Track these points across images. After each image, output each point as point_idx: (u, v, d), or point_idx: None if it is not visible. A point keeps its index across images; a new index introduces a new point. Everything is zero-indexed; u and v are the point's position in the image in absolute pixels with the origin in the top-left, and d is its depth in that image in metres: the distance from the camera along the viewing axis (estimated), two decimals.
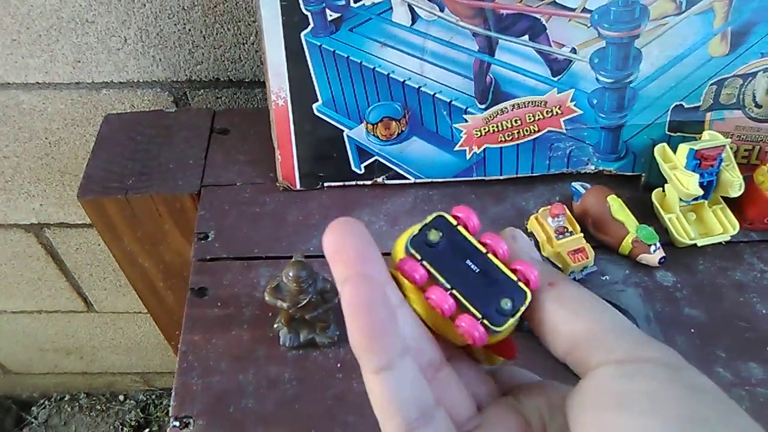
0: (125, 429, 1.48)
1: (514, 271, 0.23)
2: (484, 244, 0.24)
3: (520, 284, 0.23)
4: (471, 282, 0.23)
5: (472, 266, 0.23)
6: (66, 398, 1.53)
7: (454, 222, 0.24)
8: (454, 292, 0.23)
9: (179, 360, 0.54)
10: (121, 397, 1.52)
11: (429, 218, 0.24)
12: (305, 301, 0.49)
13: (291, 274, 0.48)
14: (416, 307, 0.24)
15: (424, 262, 0.23)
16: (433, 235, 0.23)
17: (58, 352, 1.36)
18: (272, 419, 0.51)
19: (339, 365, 0.54)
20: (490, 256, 0.24)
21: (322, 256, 0.63)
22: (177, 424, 0.51)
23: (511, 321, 0.23)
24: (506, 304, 0.23)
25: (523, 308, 0.23)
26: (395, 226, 0.63)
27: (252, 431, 0.51)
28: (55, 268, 1.10)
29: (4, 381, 1.47)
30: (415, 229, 0.23)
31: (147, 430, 1.49)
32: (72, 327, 1.27)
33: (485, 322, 0.23)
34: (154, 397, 1.52)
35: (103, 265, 1.09)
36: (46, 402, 1.53)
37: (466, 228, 0.24)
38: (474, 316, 0.23)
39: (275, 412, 0.52)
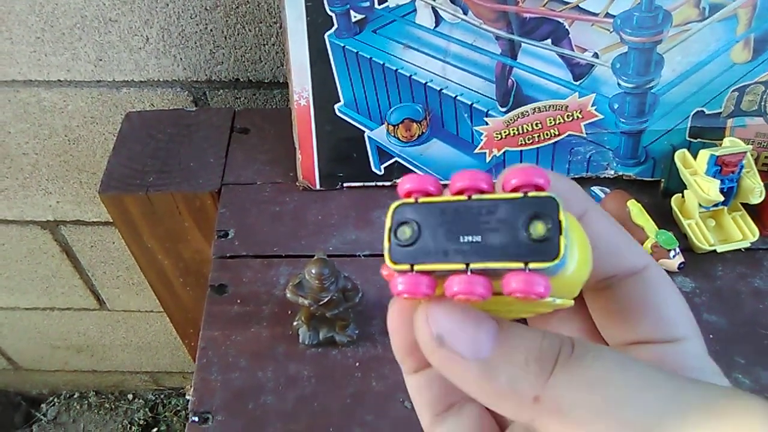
0: (133, 428, 1.48)
1: (515, 189, 0.17)
2: (461, 192, 0.18)
3: (532, 195, 0.17)
4: (482, 240, 0.17)
5: (468, 224, 0.17)
6: (75, 396, 1.53)
7: (412, 200, 0.18)
8: (473, 265, 0.17)
9: (198, 356, 0.55)
10: (130, 396, 1.53)
11: (389, 219, 0.18)
12: (327, 299, 0.50)
13: (314, 271, 0.48)
14: (482, 308, 0.18)
15: (416, 266, 0.18)
16: (406, 232, 0.18)
17: (69, 350, 1.36)
18: (291, 416, 0.51)
19: (358, 364, 0.54)
20: (474, 198, 0.18)
21: (341, 256, 0.64)
22: (196, 419, 0.51)
23: (563, 241, 0.16)
24: (537, 227, 0.17)
25: (563, 217, 0.16)
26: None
27: (270, 428, 0.51)
28: (70, 265, 1.10)
29: (14, 377, 1.48)
30: (386, 242, 0.18)
31: (155, 429, 1.49)
32: (84, 325, 1.27)
33: (533, 265, 0.16)
34: (162, 396, 1.52)
35: (117, 263, 1.09)
36: (56, 399, 1.53)
37: (429, 195, 0.18)
38: (514, 269, 0.17)
39: (294, 409, 0.52)
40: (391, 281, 0.18)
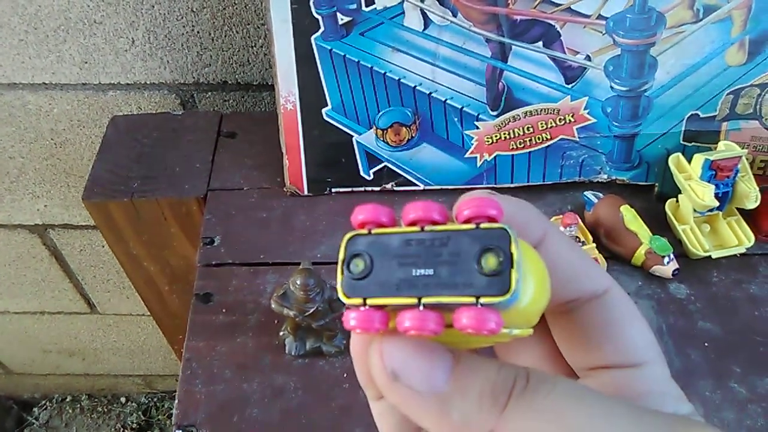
0: (126, 431, 1.47)
1: (467, 220, 0.17)
2: (414, 223, 0.18)
3: (484, 227, 0.17)
4: (434, 274, 0.17)
5: (421, 257, 0.17)
6: (68, 399, 1.52)
7: (365, 231, 0.18)
8: (423, 300, 0.17)
9: (183, 367, 0.54)
10: (123, 400, 1.52)
11: (341, 251, 0.18)
12: (312, 310, 0.49)
13: (298, 282, 0.47)
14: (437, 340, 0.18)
15: (369, 301, 0.17)
16: (359, 265, 0.18)
17: (61, 354, 1.35)
18: (277, 429, 0.50)
19: (346, 375, 0.53)
20: (427, 229, 0.18)
21: (330, 263, 0.62)
22: None
23: (515, 275, 0.16)
24: (489, 261, 0.16)
25: (515, 249, 0.16)
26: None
27: None
28: (59, 269, 1.09)
29: (5, 381, 1.47)
30: (339, 274, 0.18)
31: None
32: (75, 328, 1.26)
33: (484, 300, 0.16)
34: (155, 399, 1.51)
35: (106, 267, 1.08)
36: (48, 403, 1.52)
37: (382, 226, 0.18)
38: (466, 304, 0.16)
39: (280, 422, 0.51)
40: (344, 316, 0.18)
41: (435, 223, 0.18)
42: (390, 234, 0.18)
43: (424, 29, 0.57)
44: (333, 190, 0.64)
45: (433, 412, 0.17)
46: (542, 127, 0.60)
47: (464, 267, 0.17)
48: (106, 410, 1.51)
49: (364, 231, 0.18)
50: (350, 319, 0.17)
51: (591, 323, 0.20)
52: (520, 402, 0.16)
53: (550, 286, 0.19)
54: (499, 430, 0.16)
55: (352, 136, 0.62)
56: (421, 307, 0.17)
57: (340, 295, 0.18)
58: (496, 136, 0.61)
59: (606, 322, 0.20)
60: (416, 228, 0.18)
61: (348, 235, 0.18)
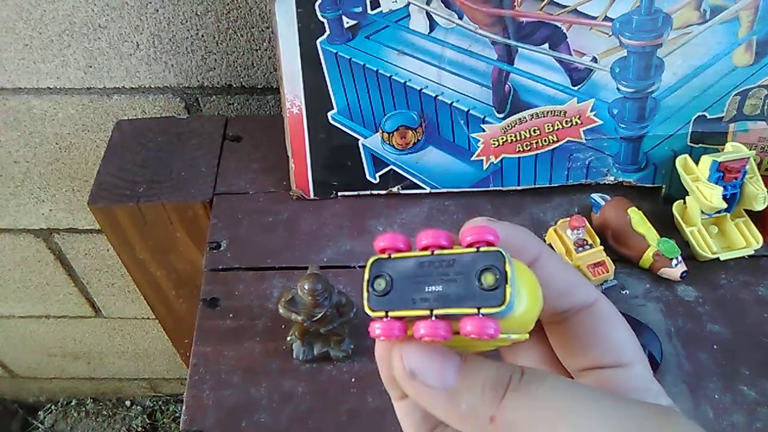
0: None
1: (470, 245, 0.21)
2: (426, 248, 0.21)
3: (483, 250, 0.20)
4: (443, 290, 0.20)
5: (432, 276, 0.21)
6: (73, 403, 1.52)
7: (386, 256, 0.22)
8: (435, 311, 0.20)
9: (190, 372, 0.53)
10: (128, 403, 1.52)
11: (366, 272, 0.22)
12: (320, 315, 0.48)
13: (306, 287, 0.47)
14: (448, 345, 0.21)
15: (390, 313, 0.21)
16: (381, 284, 0.21)
17: (66, 357, 1.35)
18: None
19: (353, 379, 0.53)
20: (437, 252, 0.21)
21: (336, 267, 0.62)
22: None
23: (509, 289, 0.19)
24: (487, 278, 0.20)
25: (509, 269, 0.20)
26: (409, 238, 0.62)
27: None
28: (64, 273, 1.09)
29: (11, 385, 1.47)
30: (365, 292, 0.22)
31: None
32: (80, 332, 1.26)
33: (484, 311, 0.19)
34: (160, 403, 1.51)
35: (111, 270, 1.08)
36: (53, 406, 1.52)
37: (400, 251, 0.22)
38: (469, 314, 0.20)
39: (288, 427, 0.50)
40: (370, 326, 0.21)
41: (443, 248, 0.21)
42: (406, 258, 0.21)
43: (430, 32, 0.57)
44: (339, 193, 0.64)
45: (444, 403, 0.20)
46: (549, 129, 0.60)
47: (467, 284, 0.20)
48: (111, 414, 1.51)
49: (385, 255, 0.22)
50: (375, 328, 0.21)
51: (582, 330, 0.23)
52: (515, 393, 0.19)
53: (542, 297, 0.22)
54: (499, 417, 0.19)
55: (358, 140, 0.61)
56: (433, 318, 0.20)
57: (366, 309, 0.21)
58: (502, 139, 0.61)
59: (595, 329, 0.23)
60: (428, 252, 0.21)
61: (371, 259, 0.22)
